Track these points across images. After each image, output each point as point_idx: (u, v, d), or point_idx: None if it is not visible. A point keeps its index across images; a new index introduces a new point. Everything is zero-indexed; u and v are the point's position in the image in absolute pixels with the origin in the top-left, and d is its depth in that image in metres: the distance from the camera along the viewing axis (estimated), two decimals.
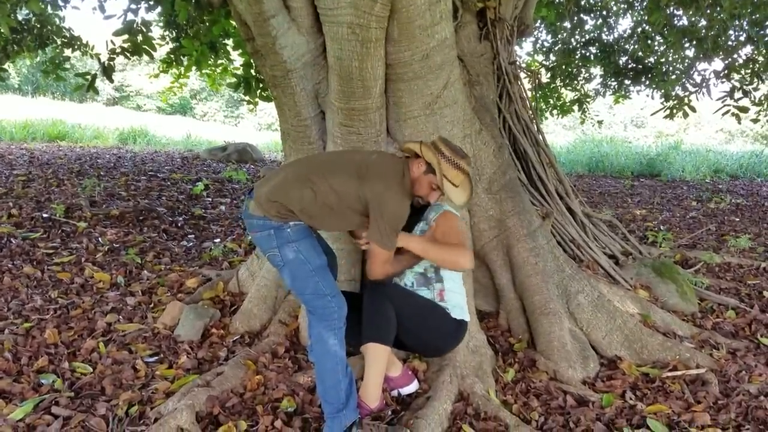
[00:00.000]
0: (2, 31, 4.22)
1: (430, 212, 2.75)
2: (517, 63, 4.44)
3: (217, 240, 5.49)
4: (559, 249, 3.66)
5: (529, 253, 3.46)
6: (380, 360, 2.53)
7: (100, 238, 5.11)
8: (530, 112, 4.42)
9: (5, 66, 7.38)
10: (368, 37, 2.81)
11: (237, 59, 8.52)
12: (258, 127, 35.65)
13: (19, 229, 5.19)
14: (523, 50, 10.72)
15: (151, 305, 3.81)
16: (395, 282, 2.90)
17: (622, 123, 37.76)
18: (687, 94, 7.39)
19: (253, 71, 7.15)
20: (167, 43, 8.12)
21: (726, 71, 6.90)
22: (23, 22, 7.22)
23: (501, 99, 4.09)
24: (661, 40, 8.49)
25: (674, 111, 7.20)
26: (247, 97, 7.50)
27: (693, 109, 7.08)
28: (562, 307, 3.37)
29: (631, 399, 2.89)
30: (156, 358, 3.15)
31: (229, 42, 7.80)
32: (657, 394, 2.95)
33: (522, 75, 4.58)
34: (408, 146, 2.66)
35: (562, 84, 10.23)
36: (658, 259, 4.44)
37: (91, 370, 2.97)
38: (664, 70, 8.54)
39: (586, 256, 4.14)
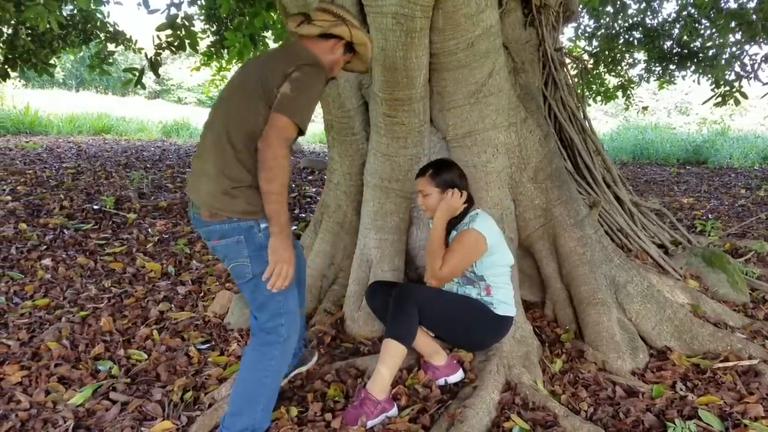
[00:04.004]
0: (51, 26, 4.32)
1: (461, 226, 2.76)
2: (563, 49, 4.38)
3: None
4: (606, 238, 3.60)
5: (576, 243, 3.41)
6: (394, 356, 2.52)
7: (149, 229, 5.24)
8: (576, 99, 4.35)
9: (52, 61, 7.59)
10: (413, 27, 2.80)
11: None
12: None
13: (71, 220, 5.36)
14: (565, 36, 10.56)
15: (201, 294, 3.90)
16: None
17: (665, 109, 36.76)
18: (734, 79, 7.16)
19: None
20: (208, 36, 8.24)
21: None
22: (68, 18, 7.41)
23: (546, 86, 4.04)
24: (708, 24, 8.24)
25: (726, 98, 7.00)
26: None
27: (744, 96, 6.87)
28: (611, 297, 3.32)
29: (681, 390, 2.84)
30: (208, 345, 3.22)
31: (269, 34, 7.86)
32: (708, 385, 2.89)
33: (567, 61, 4.51)
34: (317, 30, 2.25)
35: (605, 70, 10.03)
36: (707, 248, 4.34)
37: (146, 356, 3.07)
38: (711, 54, 8.30)
39: (634, 245, 4.07)
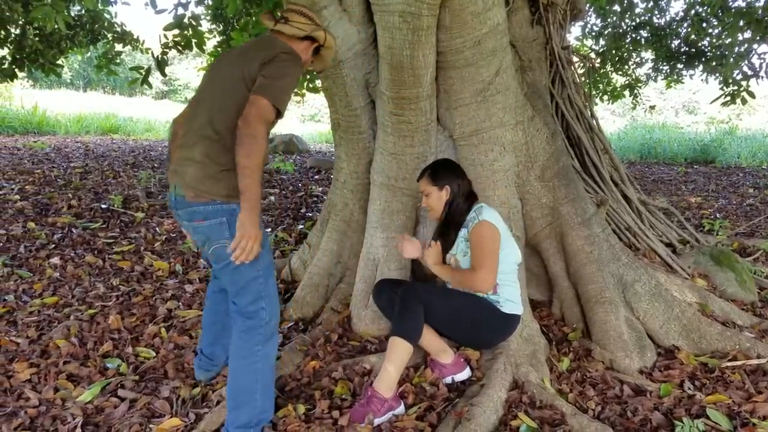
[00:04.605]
0: (59, 27, 4.35)
1: (469, 222, 2.77)
2: (570, 48, 4.37)
3: (268, 230, 5.58)
4: (614, 237, 3.58)
5: (584, 242, 3.40)
6: (401, 354, 2.53)
7: (157, 228, 5.26)
8: (583, 97, 4.34)
9: (59, 61, 7.63)
10: (420, 25, 2.80)
11: None
12: (302, 118, 35.90)
13: (80, 219, 5.38)
14: (572, 34, 10.54)
15: None
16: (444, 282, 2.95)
17: (673, 108, 36.59)
18: (742, 78, 7.12)
19: None
20: (215, 36, 8.26)
21: None
22: (76, 18, 7.44)
23: (554, 85, 4.04)
24: (716, 23, 8.20)
25: (734, 97, 6.97)
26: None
27: (752, 95, 6.84)
28: (618, 296, 3.31)
29: (689, 389, 2.83)
30: None
31: None
32: (716, 384, 2.88)
33: (574, 60, 4.50)
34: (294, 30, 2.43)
35: (612, 69, 10.01)
36: (715, 247, 4.32)
37: (154, 354, 3.08)
38: (719, 53, 8.26)
39: (642, 244, 4.05)
